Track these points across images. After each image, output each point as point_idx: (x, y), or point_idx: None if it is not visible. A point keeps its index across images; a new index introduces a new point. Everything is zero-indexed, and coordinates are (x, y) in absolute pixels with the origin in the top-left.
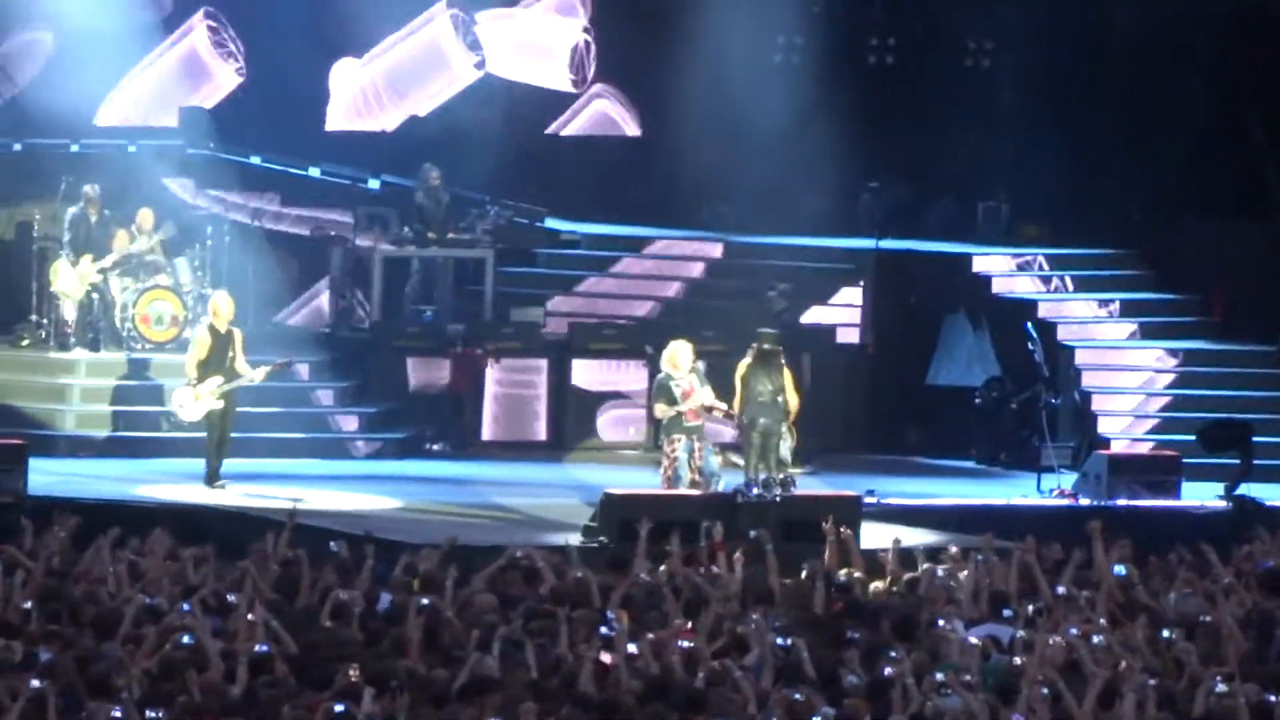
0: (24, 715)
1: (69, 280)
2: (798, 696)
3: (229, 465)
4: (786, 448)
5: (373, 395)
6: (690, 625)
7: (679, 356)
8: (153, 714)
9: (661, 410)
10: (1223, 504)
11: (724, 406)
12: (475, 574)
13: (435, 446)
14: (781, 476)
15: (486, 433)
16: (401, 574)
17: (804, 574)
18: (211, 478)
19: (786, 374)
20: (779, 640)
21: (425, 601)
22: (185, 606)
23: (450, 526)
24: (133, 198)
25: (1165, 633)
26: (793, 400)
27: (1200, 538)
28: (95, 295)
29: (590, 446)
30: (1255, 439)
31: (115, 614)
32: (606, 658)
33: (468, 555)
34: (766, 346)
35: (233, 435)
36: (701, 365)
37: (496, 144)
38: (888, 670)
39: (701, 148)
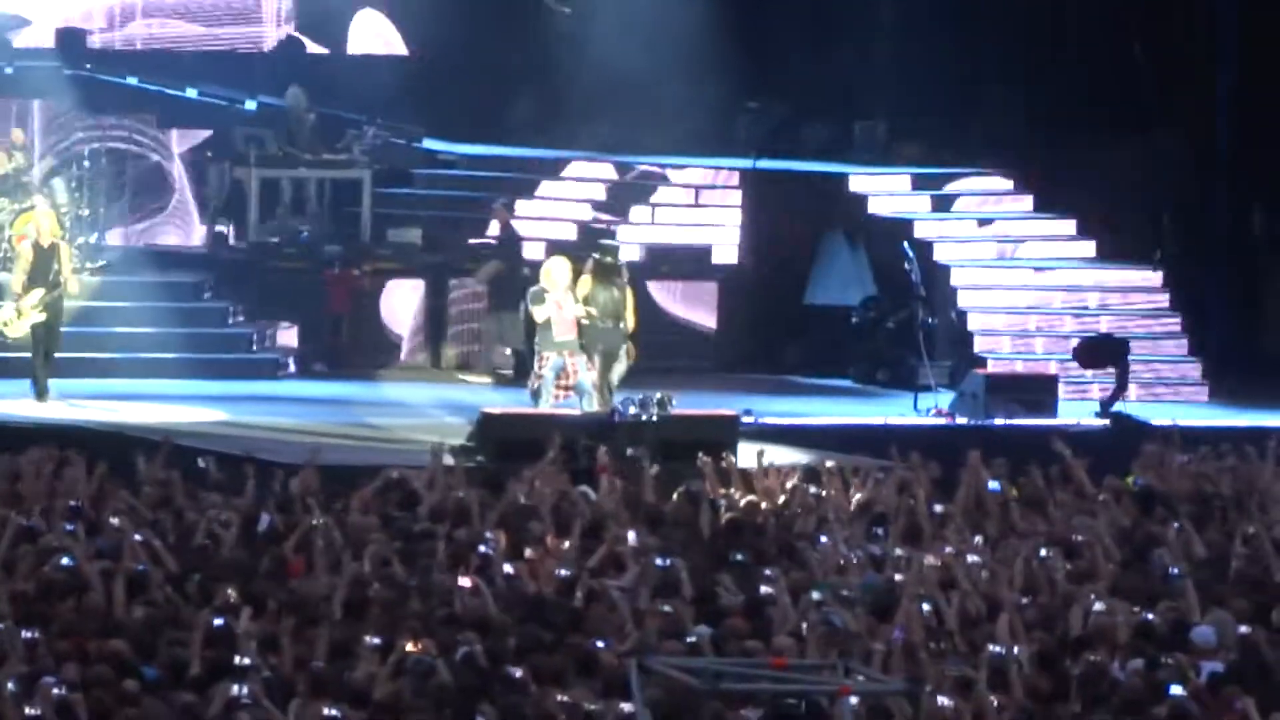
0: None
1: None
2: (669, 610)
3: (110, 384)
4: (619, 370)
5: (251, 315)
6: (566, 544)
7: (553, 272)
8: (28, 634)
9: (538, 314)
10: (1100, 422)
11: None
12: (352, 494)
13: (316, 366)
14: (659, 396)
15: (363, 352)
16: (279, 493)
17: (683, 494)
18: (41, 393)
19: (628, 292)
20: (658, 560)
21: (312, 522)
22: (68, 527)
23: (326, 446)
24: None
25: (1041, 552)
26: (630, 321)
27: (1076, 456)
28: None
29: (464, 367)
30: (1131, 356)
31: None
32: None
33: (346, 475)
34: (608, 260)
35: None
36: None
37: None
38: (765, 589)
39: (581, 66)
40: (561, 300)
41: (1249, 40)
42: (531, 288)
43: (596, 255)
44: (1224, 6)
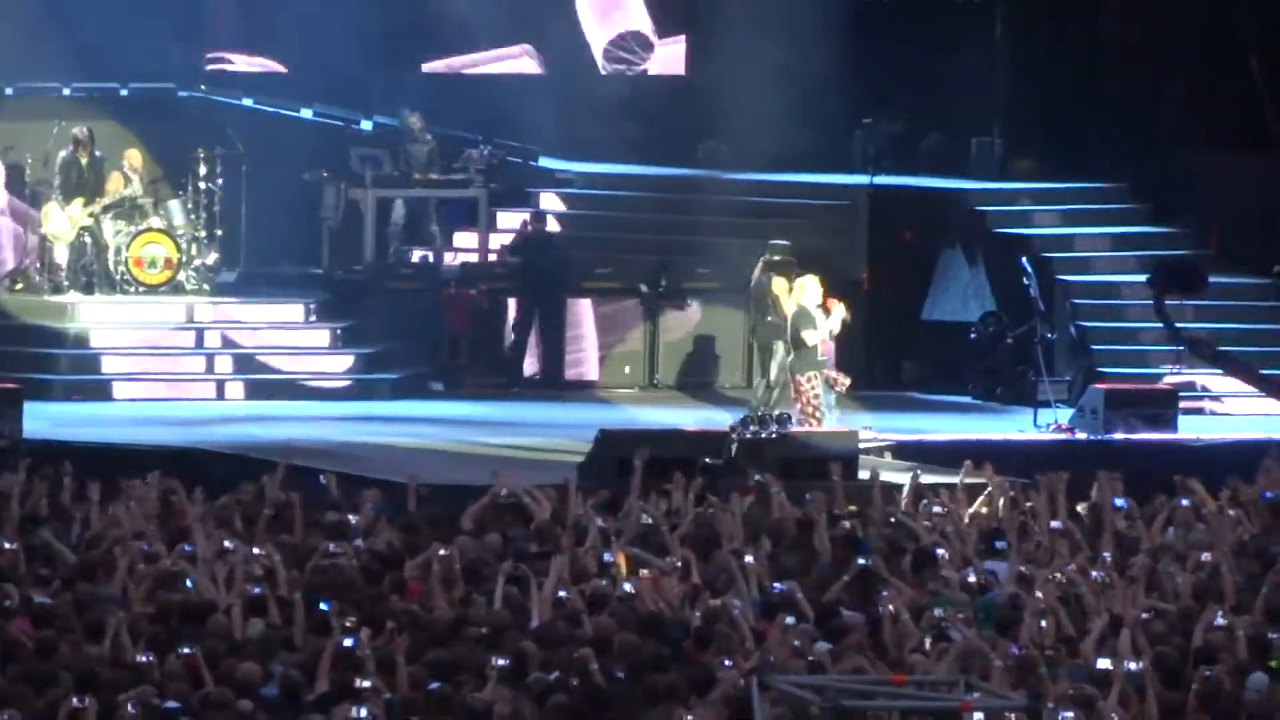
0: None
1: (60, 223)
2: (792, 626)
3: (226, 406)
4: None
5: (369, 336)
6: (685, 563)
7: (807, 291)
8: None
9: (810, 337)
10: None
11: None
12: (463, 513)
13: (435, 386)
14: (777, 413)
15: (486, 372)
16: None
17: (805, 512)
18: None
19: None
20: (775, 584)
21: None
22: (187, 548)
23: (441, 466)
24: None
25: (1164, 567)
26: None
27: (1196, 471)
28: (88, 238)
29: (588, 385)
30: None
31: (108, 557)
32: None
33: (459, 495)
34: (777, 258)
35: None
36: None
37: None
38: (886, 607)
39: (697, 86)
40: (821, 318)
41: None
42: (795, 309)
43: (769, 256)
44: None
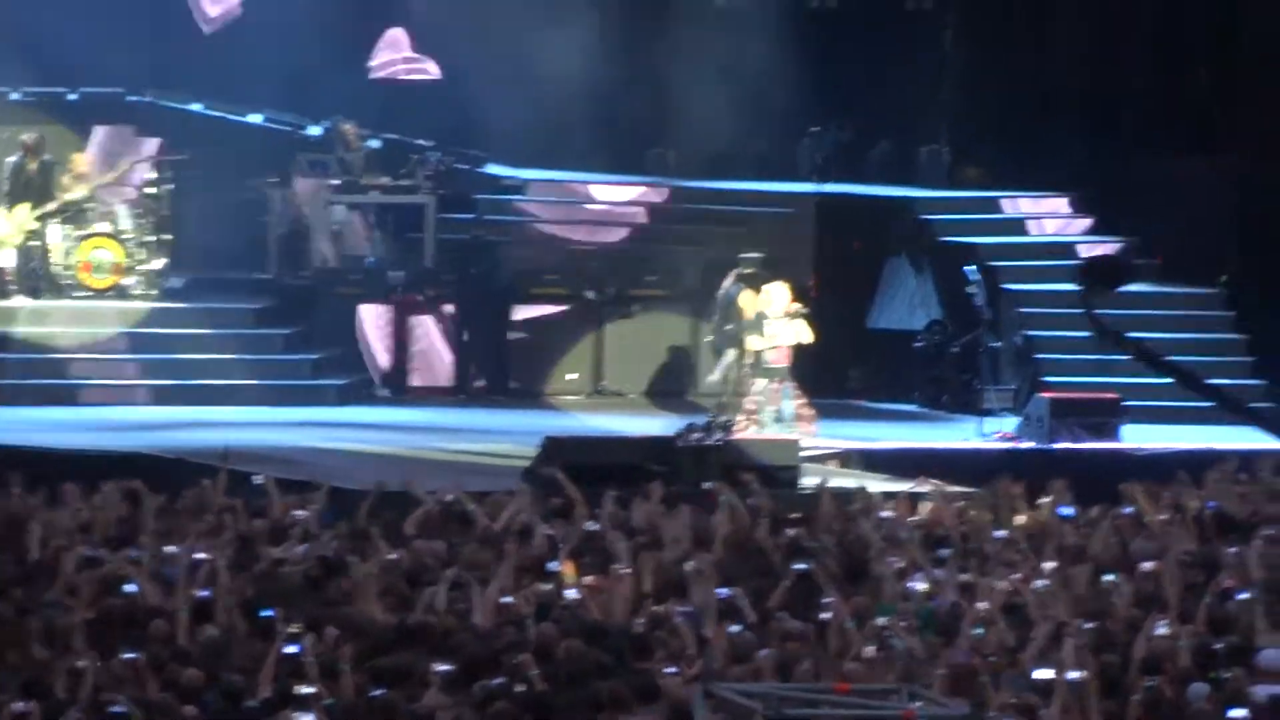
0: None
1: (5, 227)
2: (733, 635)
3: (173, 411)
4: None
5: (316, 341)
6: (629, 570)
7: (774, 298)
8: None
9: (754, 343)
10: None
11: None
12: (407, 519)
13: (381, 392)
14: (722, 419)
15: (428, 379)
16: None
17: (750, 518)
18: None
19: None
20: (720, 590)
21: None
22: (132, 553)
23: (391, 472)
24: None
25: (1107, 576)
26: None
27: (1140, 480)
28: (35, 243)
29: (534, 393)
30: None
31: (51, 563)
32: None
33: (404, 501)
34: (749, 271)
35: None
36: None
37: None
38: (829, 614)
39: (646, 93)
40: (780, 326)
41: None
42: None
43: (742, 269)
44: None
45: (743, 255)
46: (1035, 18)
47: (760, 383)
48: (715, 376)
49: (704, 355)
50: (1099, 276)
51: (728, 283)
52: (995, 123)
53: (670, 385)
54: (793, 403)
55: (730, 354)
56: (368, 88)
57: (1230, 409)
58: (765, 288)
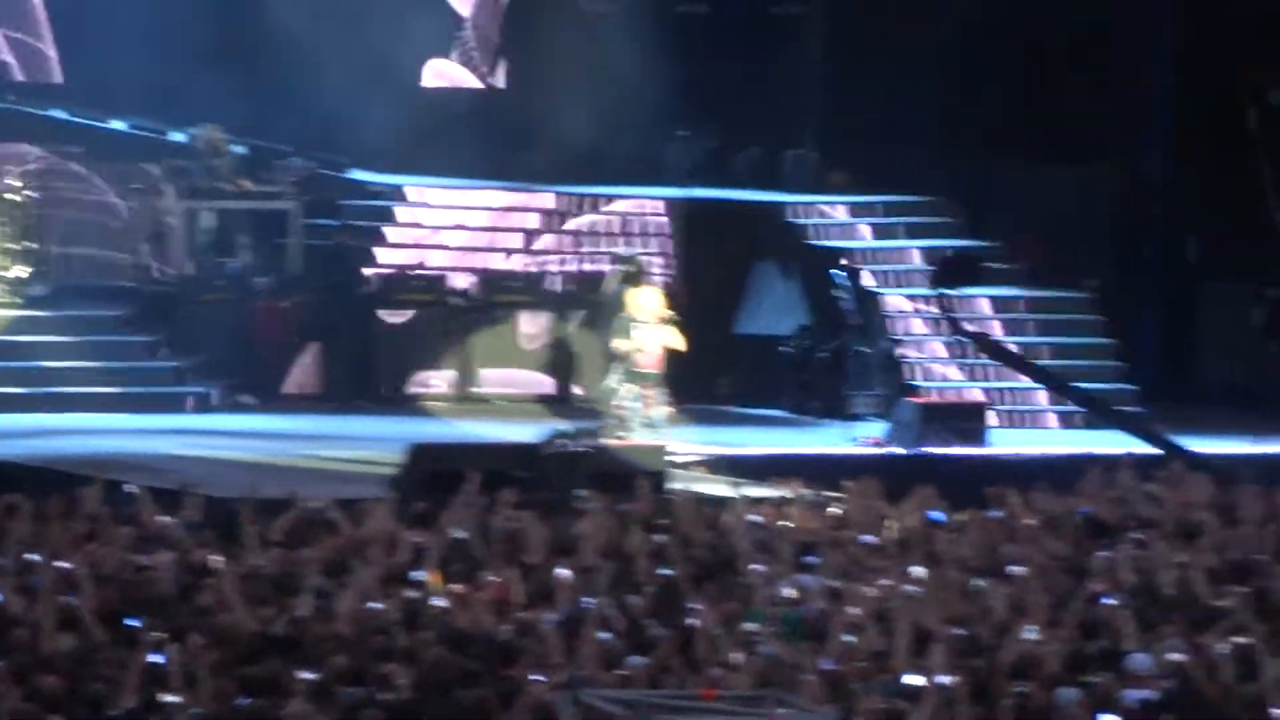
0: None
1: None
2: (601, 642)
3: (38, 420)
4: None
5: (180, 348)
6: (497, 578)
7: (645, 301)
8: None
9: (620, 344)
10: (1041, 449)
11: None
12: (273, 526)
13: (246, 400)
14: (590, 426)
15: (296, 385)
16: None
17: (617, 525)
18: None
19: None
20: (585, 599)
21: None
22: None
23: (257, 479)
24: None
25: (975, 581)
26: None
27: (1009, 484)
28: None
29: (401, 398)
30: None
31: None
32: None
33: (270, 508)
34: (630, 269)
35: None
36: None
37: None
38: (696, 621)
39: (512, 98)
40: (649, 330)
41: (1185, 68)
42: (618, 316)
43: (625, 268)
44: (1162, 30)
45: (619, 254)
46: (901, 21)
47: (629, 388)
48: (612, 382)
49: (582, 359)
50: (950, 274)
51: (612, 284)
52: (862, 126)
53: (540, 391)
54: (663, 409)
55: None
56: (233, 94)
57: (1096, 413)
58: (634, 290)
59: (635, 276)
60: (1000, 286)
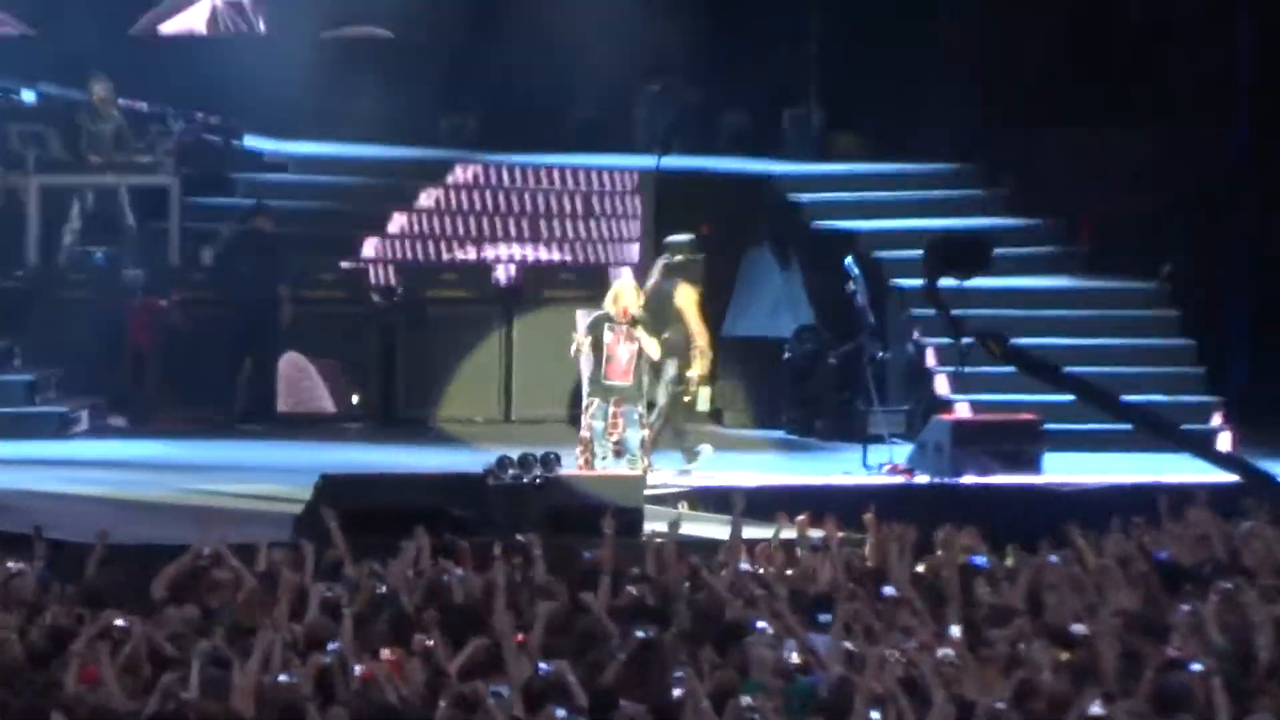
0: None
1: None
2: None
3: None
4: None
5: (32, 358)
6: (431, 641)
7: (624, 296)
8: None
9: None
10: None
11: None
12: (154, 578)
13: (116, 421)
14: (543, 454)
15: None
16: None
17: (580, 575)
18: None
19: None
20: (541, 665)
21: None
22: None
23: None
24: None
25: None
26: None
27: (1068, 521)
28: None
29: (293, 418)
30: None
31: None
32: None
33: (149, 556)
34: (680, 258)
35: None
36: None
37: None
38: (678, 691)
39: (440, 49)
40: (623, 334)
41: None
42: (592, 315)
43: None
44: None
45: (670, 240)
46: None
47: (595, 403)
48: (661, 399)
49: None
50: (945, 260)
51: (656, 277)
52: (875, 80)
53: (478, 410)
54: (638, 431)
55: (670, 368)
56: (108, 45)
57: (1153, 431)
58: (616, 283)
59: (687, 267)
60: (1047, 275)
